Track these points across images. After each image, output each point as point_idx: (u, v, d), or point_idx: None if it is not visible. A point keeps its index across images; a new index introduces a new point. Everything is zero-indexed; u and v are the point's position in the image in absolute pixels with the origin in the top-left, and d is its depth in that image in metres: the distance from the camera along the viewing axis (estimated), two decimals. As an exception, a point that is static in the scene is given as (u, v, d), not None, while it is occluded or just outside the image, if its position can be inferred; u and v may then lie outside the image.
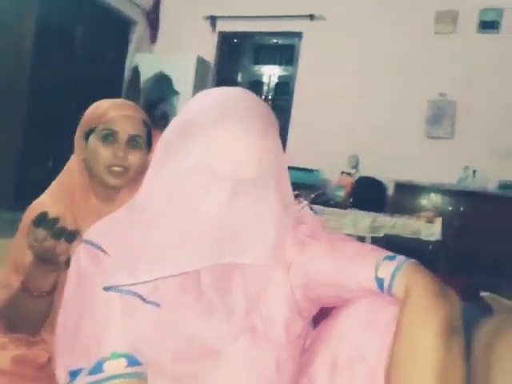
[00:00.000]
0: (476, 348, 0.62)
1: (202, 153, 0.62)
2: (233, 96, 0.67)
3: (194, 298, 0.65)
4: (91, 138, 1.04)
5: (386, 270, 0.64)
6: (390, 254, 0.67)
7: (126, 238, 0.66)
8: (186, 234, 0.62)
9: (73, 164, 1.08)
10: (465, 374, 0.57)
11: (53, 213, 0.90)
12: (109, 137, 1.03)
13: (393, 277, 0.63)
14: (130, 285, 0.64)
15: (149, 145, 1.12)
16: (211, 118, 0.63)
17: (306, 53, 4.37)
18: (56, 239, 0.78)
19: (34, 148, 3.77)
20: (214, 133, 0.62)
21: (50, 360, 0.96)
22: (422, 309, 0.59)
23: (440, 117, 3.83)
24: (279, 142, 0.70)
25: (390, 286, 0.63)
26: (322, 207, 2.89)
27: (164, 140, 0.68)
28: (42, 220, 0.78)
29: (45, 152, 3.84)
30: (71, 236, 0.80)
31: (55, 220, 0.78)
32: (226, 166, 0.62)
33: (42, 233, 0.77)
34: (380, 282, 0.64)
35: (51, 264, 0.84)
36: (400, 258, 0.65)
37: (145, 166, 1.06)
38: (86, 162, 1.06)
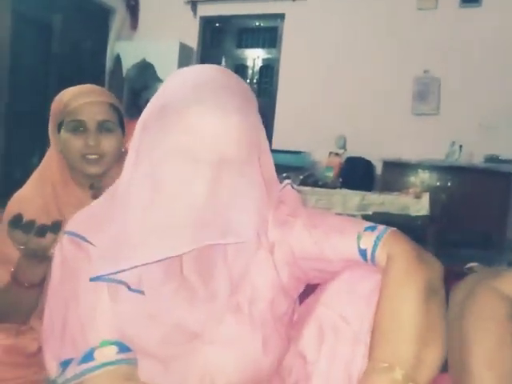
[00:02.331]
0: (451, 307, 0.65)
1: (179, 136, 0.61)
2: (207, 75, 0.66)
3: (176, 285, 0.65)
4: (62, 130, 1.03)
5: (368, 240, 0.65)
6: (370, 224, 0.68)
7: (108, 228, 0.66)
8: (167, 220, 0.61)
9: (50, 156, 1.07)
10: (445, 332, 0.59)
11: (34, 207, 0.90)
12: (77, 127, 1.01)
13: (375, 246, 0.64)
14: (115, 273, 0.63)
15: (122, 127, 1.10)
16: (186, 100, 0.61)
17: (289, 34, 4.32)
18: (41, 236, 0.79)
19: (18, 145, 3.71)
20: (190, 115, 0.61)
21: (40, 349, 0.96)
22: (402, 273, 0.60)
23: (425, 93, 3.84)
24: (258, 118, 0.69)
25: (373, 255, 0.64)
26: (311, 188, 2.90)
27: (141, 124, 0.67)
28: (17, 223, 0.78)
29: (29, 148, 3.77)
30: (56, 228, 0.80)
31: (32, 222, 0.79)
32: (204, 147, 0.60)
33: (22, 236, 0.78)
34: (363, 252, 0.65)
35: (40, 257, 0.84)
36: (381, 227, 0.66)
37: (123, 150, 1.05)
38: (63, 153, 1.05)
